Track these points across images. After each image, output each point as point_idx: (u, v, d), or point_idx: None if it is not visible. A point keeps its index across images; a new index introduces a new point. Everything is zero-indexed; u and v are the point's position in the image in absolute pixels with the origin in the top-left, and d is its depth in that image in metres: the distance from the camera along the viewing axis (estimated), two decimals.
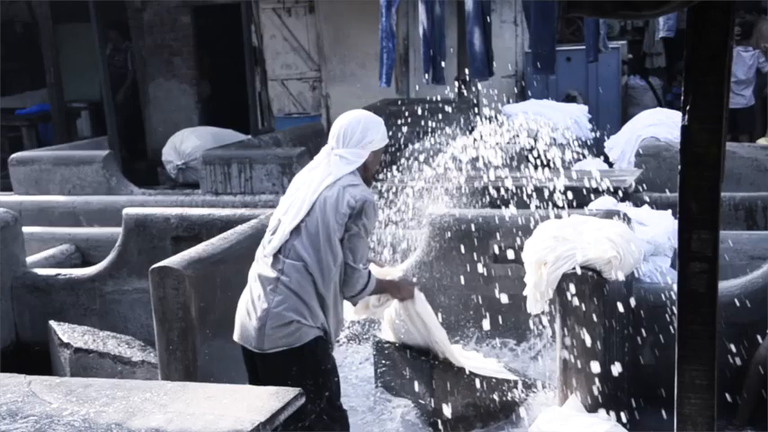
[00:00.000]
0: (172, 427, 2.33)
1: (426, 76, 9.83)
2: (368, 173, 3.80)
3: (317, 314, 3.61)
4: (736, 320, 4.55)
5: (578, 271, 3.93)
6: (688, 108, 2.06)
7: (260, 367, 3.67)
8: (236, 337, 3.73)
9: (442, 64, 9.85)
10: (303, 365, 3.58)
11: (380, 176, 6.09)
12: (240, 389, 2.73)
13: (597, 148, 9.04)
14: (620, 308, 4.37)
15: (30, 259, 5.99)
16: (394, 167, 7.55)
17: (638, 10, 2.03)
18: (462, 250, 5.10)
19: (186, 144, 9.74)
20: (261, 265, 3.70)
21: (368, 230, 3.70)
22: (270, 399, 2.52)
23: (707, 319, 2.13)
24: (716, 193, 2.09)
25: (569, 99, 10.63)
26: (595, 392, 3.95)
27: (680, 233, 2.12)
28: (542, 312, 4.15)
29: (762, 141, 8.92)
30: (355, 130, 3.72)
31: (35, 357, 5.33)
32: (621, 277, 4.12)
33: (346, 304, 3.85)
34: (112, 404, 2.51)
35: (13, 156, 8.73)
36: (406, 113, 9.70)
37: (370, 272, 3.76)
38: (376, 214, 3.76)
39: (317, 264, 3.59)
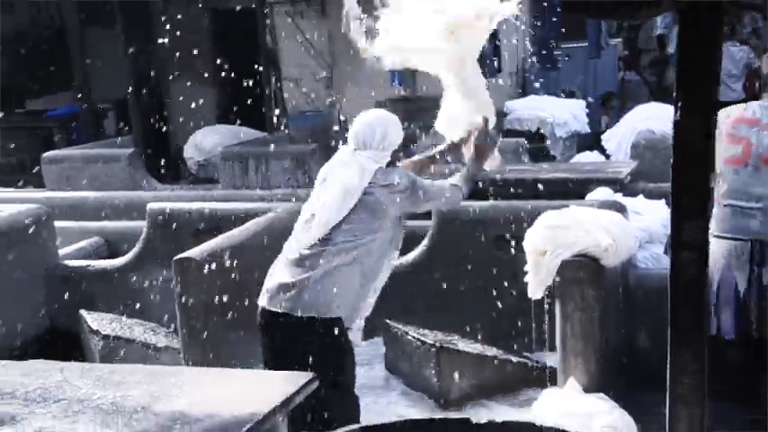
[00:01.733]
0: (194, 410, 2.34)
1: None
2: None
3: (348, 298, 3.60)
4: None
5: (576, 259, 3.92)
6: (680, 104, 2.05)
7: (285, 330, 3.61)
8: (263, 302, 3.67)
9: None
10: (325, 337, 3.56)
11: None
12: (257, 374, 2.74)
13: (595, 142, 9.03)
14: (617, 293, 4.38)
15: (61, 251, 6.00)
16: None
17: (632, 12, 2.02)
18: (467, 239, 5.09)
19: (206, 141, 9.75)
20: (298, 244, 3.66)
21: (418, 183, 3.67)
22: (285, 382, 2.52)
23: (697, 304, 2.12)
24: (706, 186, 2.08)
25: (569, 95, 10.60)
26: (593, 374, 3.94)
27: (672, 224, 2.11)
28: (543, 297, 4.13)
29: None
30: (375, 134, 3.71)
31: (67, 343, 5.34)
32: (617, 264, 4.11)
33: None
34: (138, 388, 2.52)
35: (45, 155, 8.76)
36: (414, 110, 9.69)
37: (455, 187, 3.74)
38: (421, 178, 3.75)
39: (352, 253, 3.59)
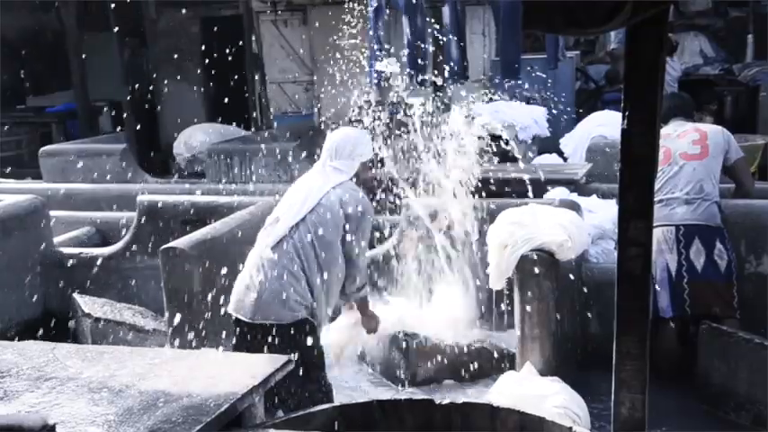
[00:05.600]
0: (176, 389, 2.32)
1: (412, 80, 9.80)
2: (358, 181, 3.85)
3: (307, 299, 3.60)
4: None
5: (534, 253, 3.94)
6: (627, 113, 2.06)
7: (250, 338, 3.62)
8: (231, 308, 3.69)
9: (425, 70, 9.83)
10: (289, 340, 3.55)
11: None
12: (237, 356, 2.73)
13: (554, 145, 9.06)
14: (572, 284, 4.41)
15: (56, 239, 5.95)
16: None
17: (584, 27, 2.03)
18: (433, 234, 5.09)
19: (194, 139, 9.68)
20: (262, 250, 3.68)
21: (366, 230, 3.74)
22: (263, 364, 2.51)
23: (641, 296, 2.14)
24: (650, 188, 2.10)
25: (530, 102, 10.63)
26: (548, 359, 3.97)
27: (619, 222, 2.12)
28: (503, 288, 4.15)
29: None
30: (346, 145, 3.78)
31: (61, 326, 5.29)
32: (572, 258, 4.14)
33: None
34: (125, 368, 2.50)
35: (43, 149, 8.66)
36: (388, 113, 9.68)
37: (367, 273, 3.86)
38: (372, 216, 3.80)
39: (311, 256, 3.61)
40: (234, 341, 3.73)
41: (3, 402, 2.25)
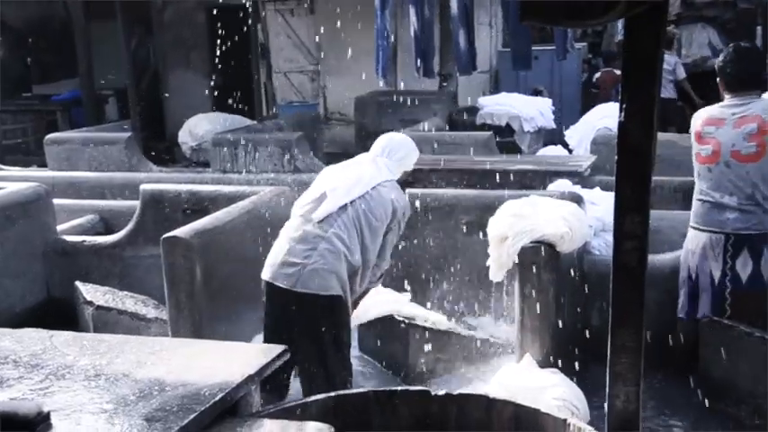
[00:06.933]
0: (171, 377, 2.32)
1: (418, 71, 9.80)
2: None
3: (343, 278, 3.68)
4: (670, 287, 4.59)
5: (534, 245, 3.94)
6: (624, 106, 2.05)
7: (285, 306, 3.68)
8: (267, 276, 3.72)
9: (432, 60, 9.83)
10: (323, 313, 3.65)
11: None
12: (234, 345, 2.73)
13: (559, 137, 9.04)
14: (573, 276, 4.40)
15: (60, 227, 5.96)
16: None
17: (581, 19, 2.02)
18: (437, 225, 5.09)
19: (199, 128, 9.68)
20: (306, 222, 3.74)
21: (401, 231, 3.91)
22: (259, 354, 2.51)
23: (637, 289, 2.13)
24: (647, 181, 2.09)
25: (536, 93, 10.62)
26: (548, 350, 3.97)
27: (615, 215, 2.11)
28: (503, 280, 4.15)
29: None
30: (401, 149, 3.98)
31: (64, 313, 5.31)
32: (573, 250, 4.13)
33: None
34: (122, 357, 2.50)
35: (48, 136, 8.67)
36: (394, 103, 9.69)
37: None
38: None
39: (355, 239, 3.70)
40: (266, 309, 3.77)
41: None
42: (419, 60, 9.38)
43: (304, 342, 3.63)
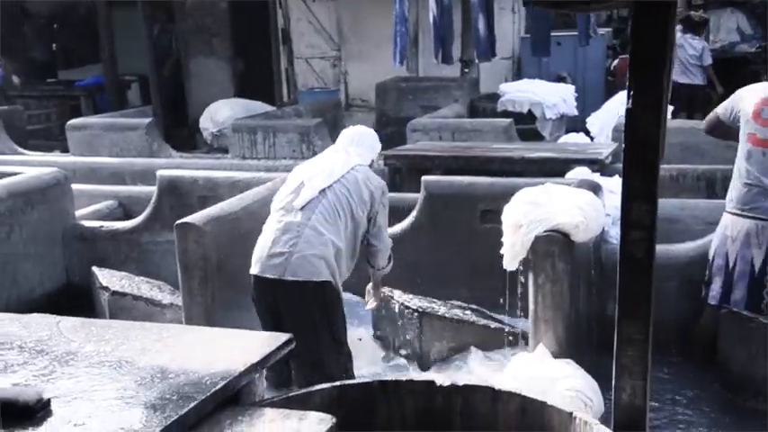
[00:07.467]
0: (174, 365, 2.31)
1: (437, 57, 9.74)
2: None
3: (331, 262, 3.70)
4: (692, 278, 4.52)
5: (548, 234, 3.89)
6: (632, 93, 2.00)
7: (274, 295, 3.71)
8: (254, 270, 3.74)
9: (451, 46, 9.76)
10: (314, 299, 3.66)
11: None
12: (240, 333, 2.71)
13: (582, 124, 8.93)
14: (589, 266, 4.34)
15: (78, 212, 5.99)
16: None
17: (588, 3, 1.97)
18: (452, 213, 5.06)
19: (220, 114, 9.69)
20: (288, 212, 3.79)
21: (386, 206, 3.97)
22: (263, 343, 2.49)
23: (644, 280, 2.09)
24: (655, 170, 2.04)
25: (559, 80, 10.49)
26: (562, 341, 3.92)
27: (622, 204, 2.07)
28: (517, 269, 4.10)
29: None
30: (367, 138, 4.14)
31: (82, 298, 5.35)
32: (588, 239, 4.07)
33: None
34: (127, 343, 2.50)
35: (70, 122, 8.73)
36: (415, 89, 9.63)
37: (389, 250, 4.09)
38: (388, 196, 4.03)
39: (337, 222, 3.75)
40: (255, 304, 3.80)
41: (1, 375, 2.26)
42: (438, 46, 9.30)
43: (297, 331, 3.61)
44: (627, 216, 2.07)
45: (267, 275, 3.69)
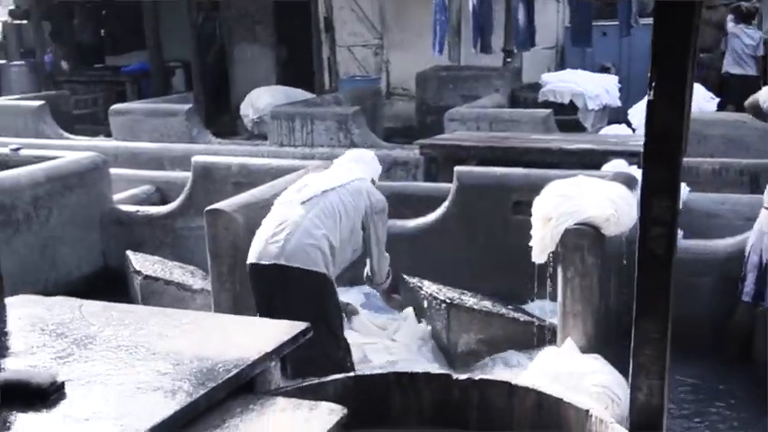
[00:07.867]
0: (189, 352, 2.32)
1: (476, 46, 9.66)
2: None
3: (327, 256, 3.80)
4: (729, 275, 4.41)
5: (578, 227, 3.81)
6: (654, 84, 1.94)
7: (273, 284, 3.79)
8: (252, 258, 3.83)
9: (490, 36, 9.67)
10: (309, 288, 3.73)
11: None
12: (257, 321, 2.72)
13: (624, 116, 8.78)
14: (620, 260, 4.25)
15: (116, 197, 6.06)
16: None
17: None
18: (485, 204, 5.00)
19: (260, 101, 9.73)
20: (288, 205, 3.92)
21: (385, 224, 4.09)
22: (279, 331, 2.49)
23: (663, 277, 2.03)
24: (677, 164, 1.98)
25: (603, 70, 10.32)
26: (590, 336, 3.84)
27: (642, 200, 2.01)
28: (547, 262, 4.03)
29: None
30: (367, 156, 4.34)
31: (118, 281, 5.41)
32: (620, 233, 3.98)
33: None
34: (145, 329, 2.51)
35: (112, 107, 8.85)
36: (455, 79, 9.55)
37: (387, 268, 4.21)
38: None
39: (336, 220, 3.86)
40: (254, 292, 3.88)
41: (18, 357, 2.29)
42: (476, 36, 9.21)
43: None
44: (647, 212, 2.01)
45: (263, 262, 3.78)
